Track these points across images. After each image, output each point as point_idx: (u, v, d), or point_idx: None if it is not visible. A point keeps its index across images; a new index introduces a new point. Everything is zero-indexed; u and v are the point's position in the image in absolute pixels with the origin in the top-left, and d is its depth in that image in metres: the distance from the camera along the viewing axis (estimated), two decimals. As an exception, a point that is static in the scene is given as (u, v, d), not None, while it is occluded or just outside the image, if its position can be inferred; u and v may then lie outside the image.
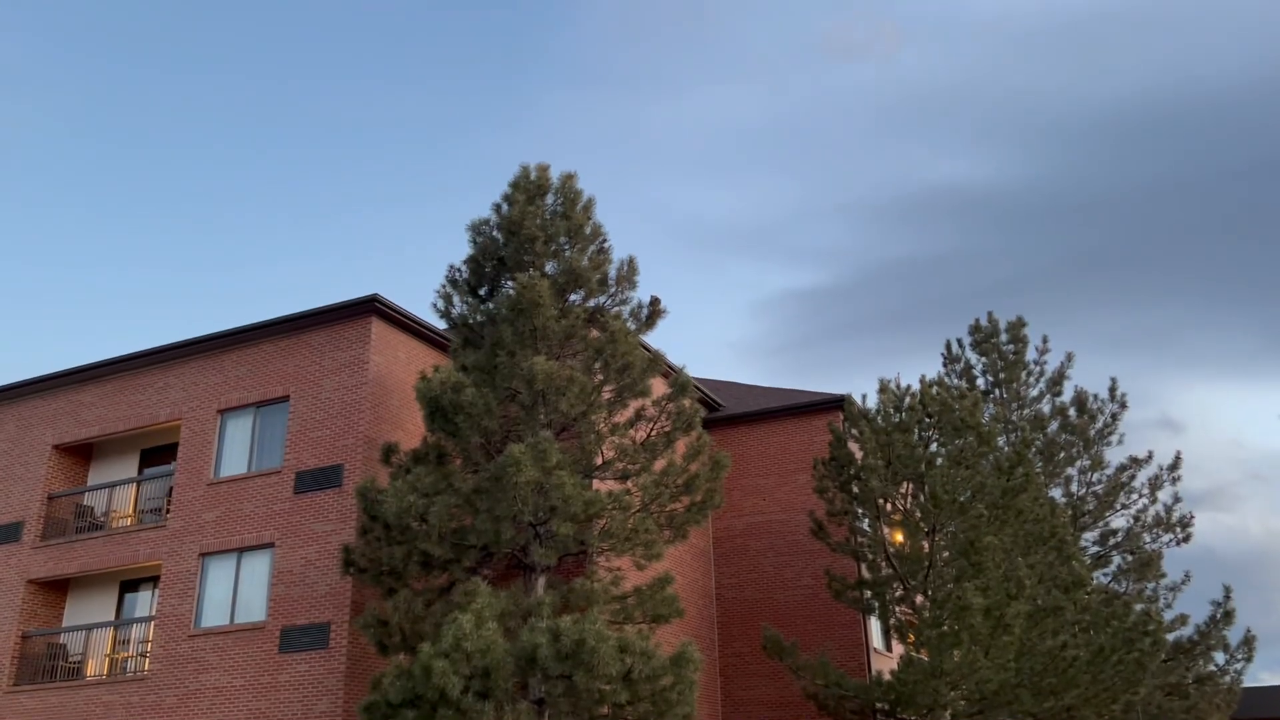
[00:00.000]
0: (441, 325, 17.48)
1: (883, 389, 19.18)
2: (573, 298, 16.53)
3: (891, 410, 18.89)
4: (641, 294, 16.93)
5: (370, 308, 18.56)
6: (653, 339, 17.69)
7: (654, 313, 16.67)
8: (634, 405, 16.17)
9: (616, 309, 16.70)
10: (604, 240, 16.97)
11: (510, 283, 16.48)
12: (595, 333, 16.26)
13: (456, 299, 16.92)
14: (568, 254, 16.67)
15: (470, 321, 16.69)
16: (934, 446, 18.59)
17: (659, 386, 17.49)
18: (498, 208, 17.05)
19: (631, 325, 16.48)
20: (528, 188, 16.85)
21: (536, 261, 16.38)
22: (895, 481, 18.64)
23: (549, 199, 16.90)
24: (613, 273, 16.80)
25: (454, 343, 16.96)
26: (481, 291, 17.04)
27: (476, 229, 17.00)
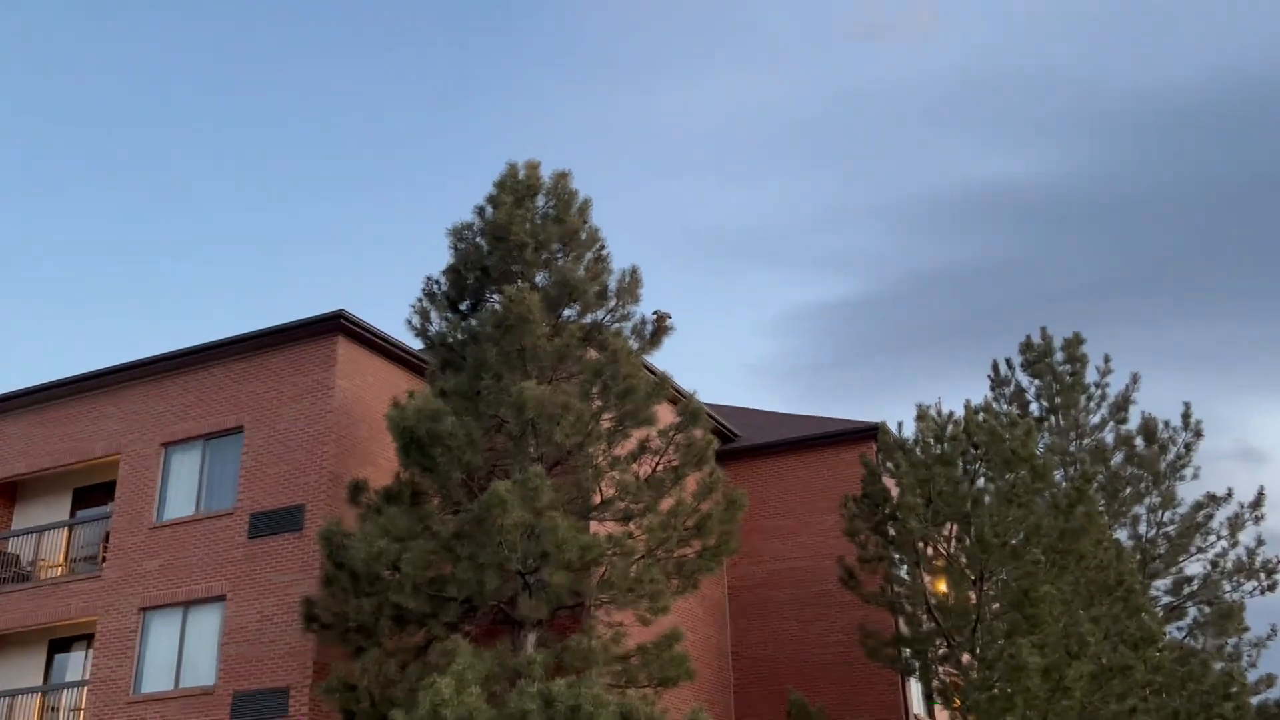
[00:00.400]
0: (417, 345, 17.52)
1: (921, 416, 19.16)
2: (567, 313, 16.58)
3: (932, 440, 18.85)
4: (645, 308, 17.61)
5: (336, 325, 18.50)
6: (659, 359, 17.35)
7: (660, 329, 16.72)
8: (637, 436, 16.12)
9: (617, 325, 16.76)
10: (602, 247, 17.13)
11: (496, 296, 16.53)
12: (593, 353, 16.28)
13: (434, 315, 16.99)
14: (561, 263, 16.77)
15: (450, 340, 16.72)
16: (981, 482, 18.50)
17: (666, 414, 17.02)
18: (481, 211, 17.19)
19: (634, 344, 16.53)
20: (515, 188, 17.00)
21: (525, 271, 16.47)
22: (937, 522, 18.62)
23: (540, 200, 17.04)
24: (613, 284, 16.91)
25: (431, 365, 16.96)
26: (463, 306, 17.09)
27: (458, 234, 17.08)
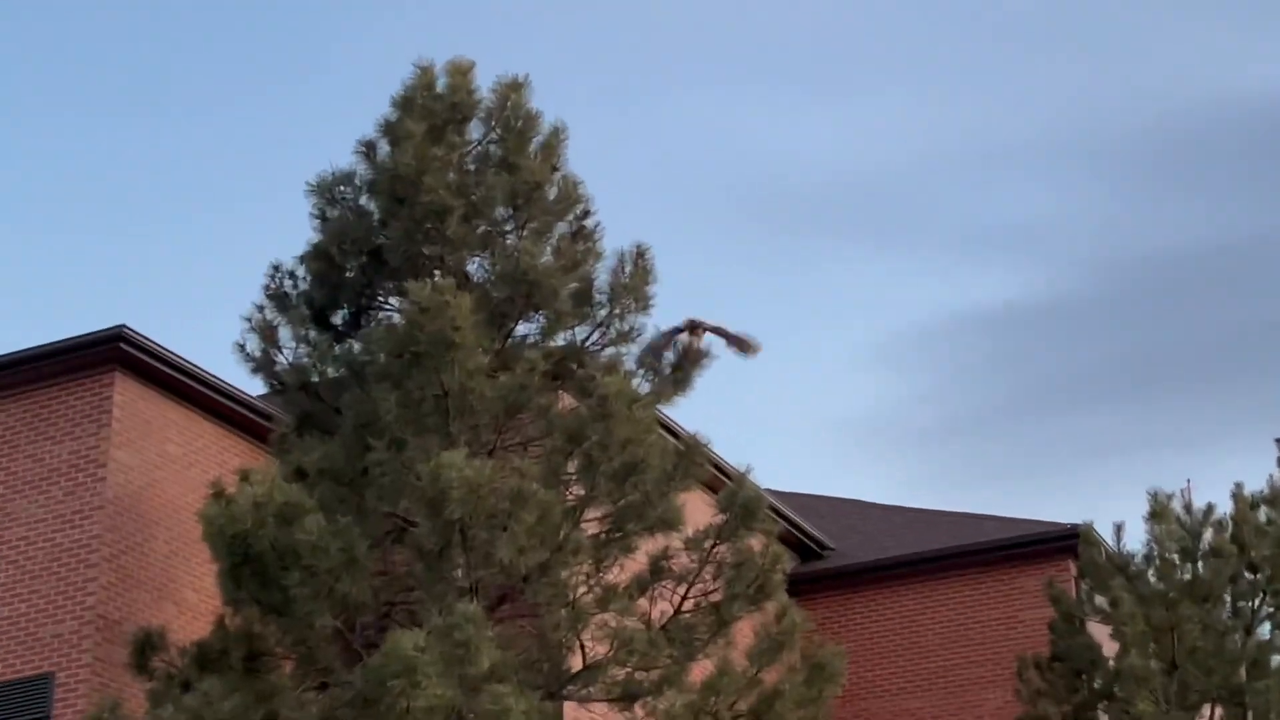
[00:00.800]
0: (256, 387, 17.61)
1: (1158, 513, 18.91)
2: (523, 329, 16.42)
3: (1175, 552, 18.60)
4: (664, 318, 16.90)
5: (113, 354, 17.79)
6: (687, 411, 17.77)
7: (690, 357, 16.81)
8: (648, 548, 15.82)
9: (612, 351, 16.70)
10: (586, 210, 16.88)
11: (395, 300, 16.44)
12: (569, 399, 16.22)
13: (285, 332, 16.72)
14: (513, 239, 16.52)
15: (314, 378, 16.52)
16: (1266, 629, 18.71)
17: (699, 509, 16.60)
18: (369, 148, 16.80)
19: (643, 385, 16.37)
20: (431, 108, 16.50)
21: (449, 255, 16.15)
22: (1188, 704, 18.18)
23: (475, 130, 16.78)
24: (603, 277, 16.70)
25: (281, 422, 16.70)
26: (336, 318, 16.85)
27: (327, 192, 16.83)
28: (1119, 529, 19.68)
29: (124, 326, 17.54)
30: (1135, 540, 19.37)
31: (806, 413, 66.31)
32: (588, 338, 16.68)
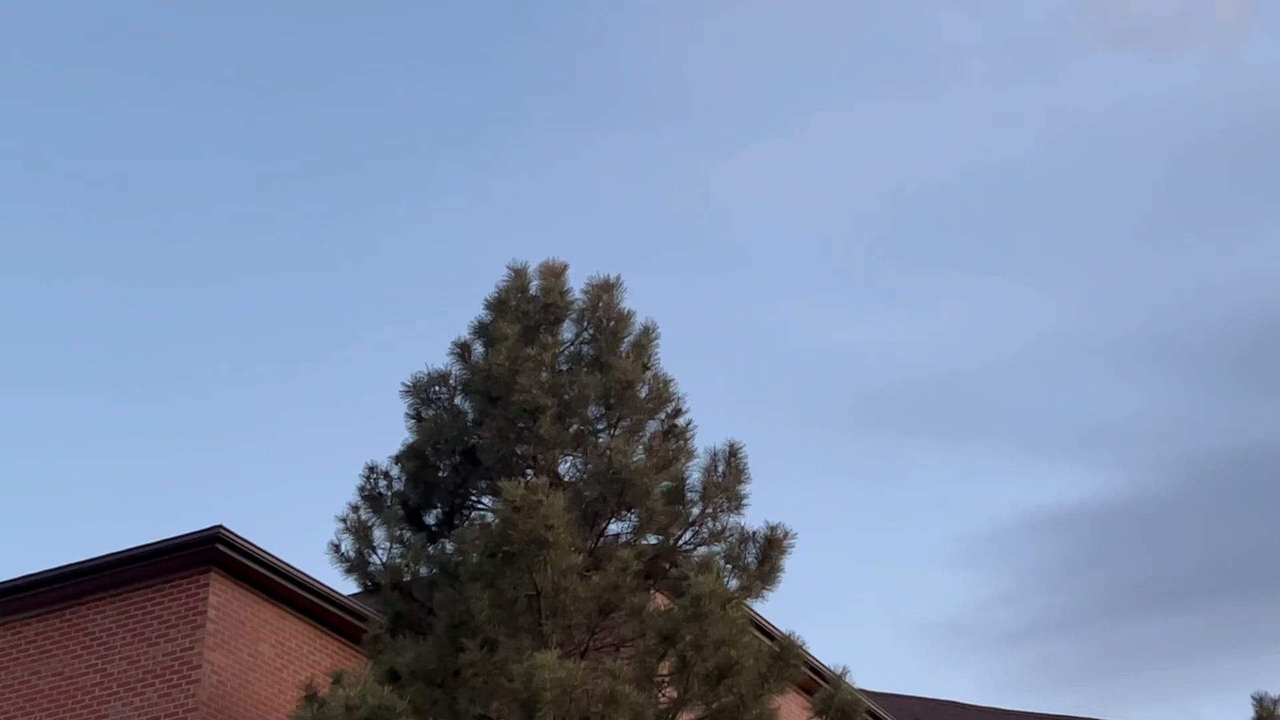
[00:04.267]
0: (349, 587, 17.52)
1: (1263, 717, 18.95)
2: (614, 527, 16.40)
3: None
4: (754, 516, 16.76)
5: (209, 555, 17.84)
6: (776, 609, 17.62)
7: (773, 547, 16.68)
8: None
9: (704, 550, 16.59)
10: (678, 410, 17.03)
11: (488, 500, 16.51)
12: (661, 599, 16.12)
13: (379, 533, 16.77)
14: (603, 438, 16.61)
15: (407, 578, 16.46)
16: None
17: (793, 711, 17.19)
18: (464, 349, 17.14)
19: (732, 582, 16.27)
20: (524, 309, 16.90)
21: (542, 455, 16.29)
22: None
23: (567, 330, 17.03)
24: (695, 474, 16.69)
25: (374, 623, 16.52)
26: (430, 518, 16.96)
27: (422, 392, 17.10)
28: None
29: (220, 527, 17.61)
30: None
31: (889, 612, 64.77)
32: (680, 536, 16.51)
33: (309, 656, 18.75)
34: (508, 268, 16.86)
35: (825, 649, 18.39)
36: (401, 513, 16.66)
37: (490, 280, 17.10)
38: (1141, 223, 63.03)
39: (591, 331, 16.77)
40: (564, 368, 16.72)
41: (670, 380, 16.85)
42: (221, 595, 18.09)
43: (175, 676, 17.64)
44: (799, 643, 15.81)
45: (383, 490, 16.90)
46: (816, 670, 17.34)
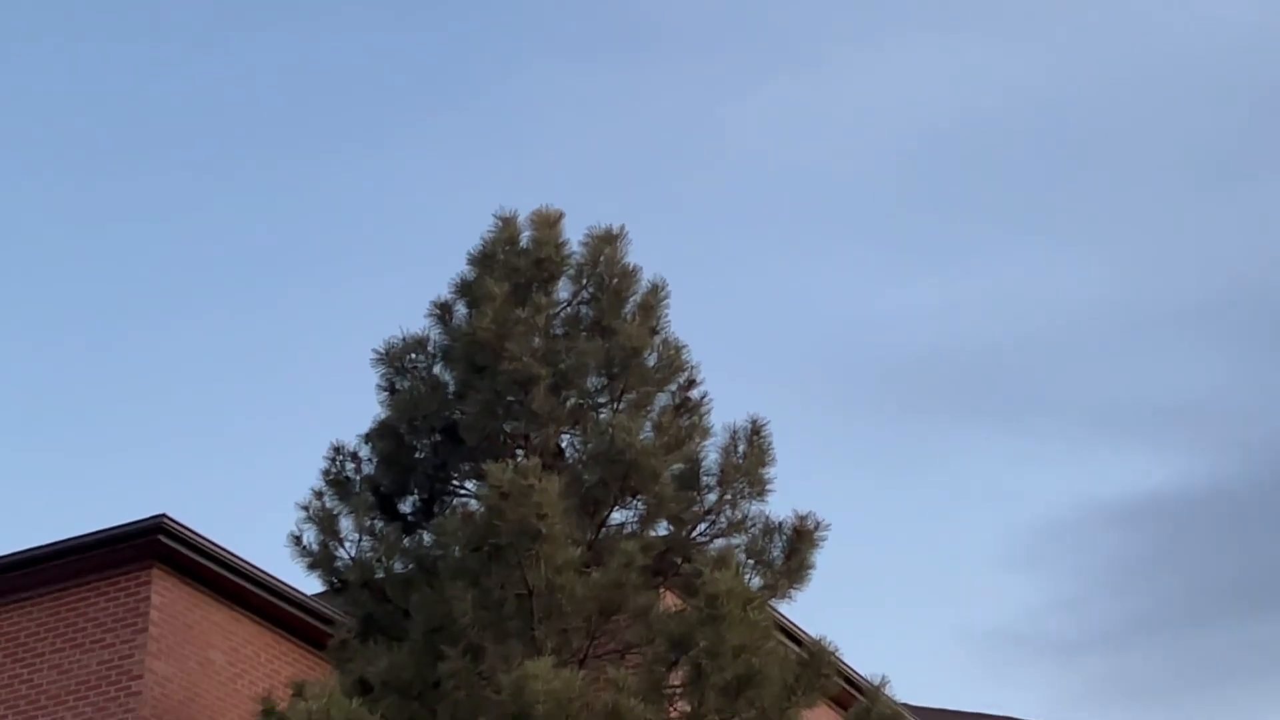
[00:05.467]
0: (311, 585, 17.13)
1: None
2: (618, 517, 15.84)
3: None
4: (780, 504, 16.13)
5: (150, 548, 17.13)
6: (803, 610, 17.07)
7: (802, 539, 16.03)
8: None
9: (721, 544, 15.93)
10: (691, 380, 16.28)
11: (471, 484, 16.10)
12: (672, 599, 15.88)
13: (346, 522, 16.19)
14: (604, 413, 16.03)
15: (378, 575, 15.96)
16: None
17: None
18: (443, 310, 16.53)
19: (755, 580, 15.62)
20: (515, 263, 16.21)
21: (532, 431, 15.78)
22: None
23: (563, 289, 16.45)
24: (711, 456, 15.99)
25: (342, 625, 16.12)
26: (406, 505, 16.44)
27: (395, 361, 16.46)
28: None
29: (164, 517, 16.83)
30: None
31: (933, 617, 60.65)
32: (694, 527, 15.77)
33: (266, 665, 18.19)
34: (494, 216, 16.14)
35: (860, 657, 17.55)
36: (372, 500, 16.02)
37: (473, 234, 16.36)
38: (1219, 168, 59.07)
39: (591, 290, 16.15)
40: (560, 331, 16.07)
41: (682, 346, 16.05)
42: (166, 595, 17.40)
43: (113, 688, 16.99)
44: (831, 649, 15.34)
45: (350, 474, 16.22)
46: (851, 681, 17.35)
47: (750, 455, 16.27)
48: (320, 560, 15.96)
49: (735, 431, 16.38)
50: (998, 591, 61.27)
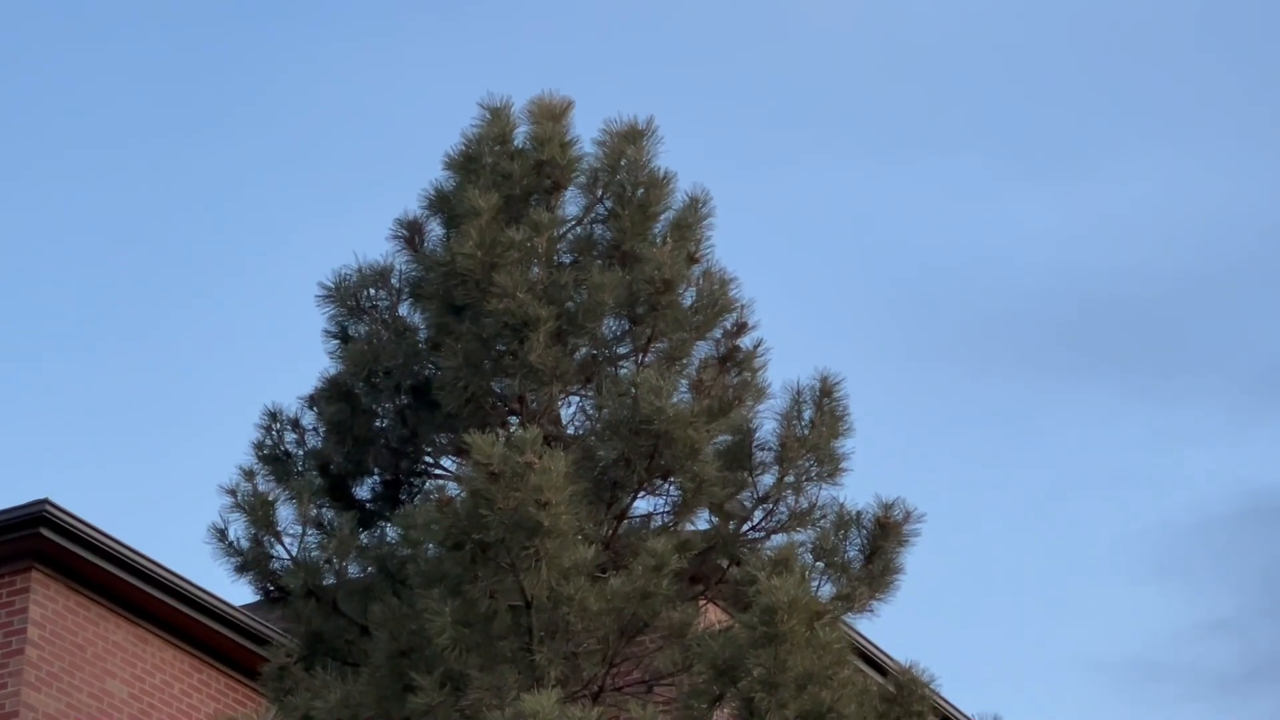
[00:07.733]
0: (241, 593, 15.81)
1: None
2: (644, 505, 14.34)
3: None
4: (856, 488, 14.81)
5: (30, 545, 15.69)
6: (888, 628, 16.81)
7: (885, 539, 14.86)
8: None
9: (778, 537, 14.38)
10: (741, 322, 14.59)
11: (449, 461, 14.82)
12: (714, 613, 14.83)
13: (286, 512, 14.50)
14: (626, 368, 14.52)
15: (329, 581, 14.39)
16: None
17: None
18: (412, 230, 14.66)
19: (825, 589, 14.34)
20: (507, 169, 14.34)
21: (529, 391, 14.29)
22: None
23: (570, 199, 14.57)
24: (767, 425, 14.25)
25: (280, 649, 14.58)
26: (363, 489, 14.98)
27: (349, 298, 14.80)
28: None
29: (46, 504, 14.90)
30: None
31: (1051, 641, 51.95)
32: (744, 519, 13.85)
33: (182, 697, 16.74)
34: (481, 106, 13.85)
35: (961, 690, 16.33)
36: (319, 481, 14.13)
37: (452, 132, 14.32)
38: None
39: (609, 204, 14.00)
40: (566, 259, 14.08)
41: (730, 279, 13.92)
42: (48, 606, 15.82)
43: (-23, 706, 16.03)
44: (924, 679, 13.59)
45: (291, 447, 14.37)
46: (947, 708, 17.07)
47: (819, 424, 14.15)
48: (252, 561, 13.97)
49: (799, 393, 14.14)
50: (1132, 607, 51.99)
